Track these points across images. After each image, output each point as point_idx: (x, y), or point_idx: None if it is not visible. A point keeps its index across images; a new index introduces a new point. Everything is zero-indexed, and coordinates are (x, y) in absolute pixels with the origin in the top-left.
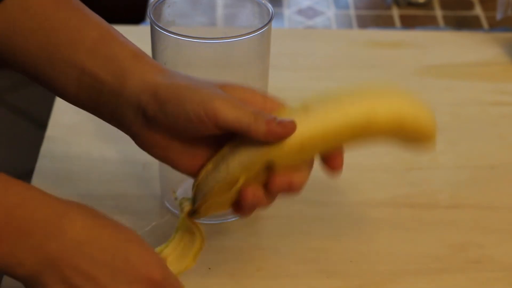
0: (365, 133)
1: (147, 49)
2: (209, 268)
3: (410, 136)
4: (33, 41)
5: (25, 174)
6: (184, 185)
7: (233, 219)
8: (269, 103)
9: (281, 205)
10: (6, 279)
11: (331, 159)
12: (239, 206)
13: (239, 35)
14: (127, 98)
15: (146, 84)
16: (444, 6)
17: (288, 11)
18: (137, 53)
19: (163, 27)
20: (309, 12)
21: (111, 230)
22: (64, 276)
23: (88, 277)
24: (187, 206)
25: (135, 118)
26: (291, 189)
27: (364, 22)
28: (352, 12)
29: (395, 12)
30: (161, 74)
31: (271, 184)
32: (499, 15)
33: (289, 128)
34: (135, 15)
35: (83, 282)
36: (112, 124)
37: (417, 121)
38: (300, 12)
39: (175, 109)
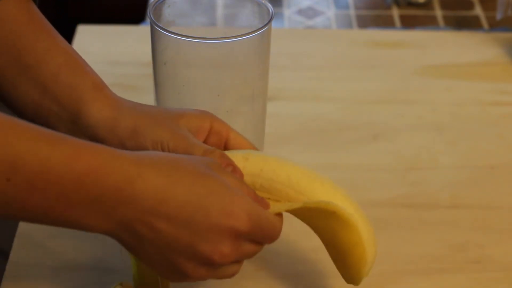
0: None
1: (147, 49)
2: None
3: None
4: (3, 58)
5: None
6: None
7: None
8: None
9: None
10: (6, 279)
11: None
12: None
13: (239, 35)
14: (84, 129)
15: (103, 120)
16: (444, 6)
17: (288, 11)
18: (98, 85)
19: (163, 27)
20: (309, 12)
21: (189, 185)
22: (142, 235)
23: (167, 236)
24: None
25: None
26: None
27: (364, 22)
28: (352, 12)
29: (395, 12)
30: (118, 110)
31: None
32: (499, 15)
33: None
34: (135, 15)
35: (164, 240)
36: None
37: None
38: (300, 12)
39: (134, 146)
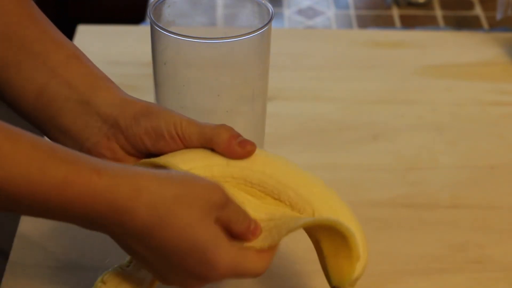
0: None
1: (147, 49)
2: None
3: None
4: (5, 45)
5: None
6: None
7: None
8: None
9: None
10: (6, 279)
11: None
12: None
13: (239, 35)
14: (97, 108)
15: (120, 98)
16: (444, 6)
17: (288, 11)
18: (104, 76)
19: (163, 27)
20: (309, 12)
21: (176, 233)
22: (122, 246)
23: (143, 259)
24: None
25: (100, 127)
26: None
27: (364, 22)
28: (352, 12)
29: (395, 12)
30: (129, 95)
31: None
32: (499, 15)
33: (248, 150)
34: (135, 15)
35: (140, 260)
36: (60, 138)
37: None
38: (300, 12)
39: (149, 124)
